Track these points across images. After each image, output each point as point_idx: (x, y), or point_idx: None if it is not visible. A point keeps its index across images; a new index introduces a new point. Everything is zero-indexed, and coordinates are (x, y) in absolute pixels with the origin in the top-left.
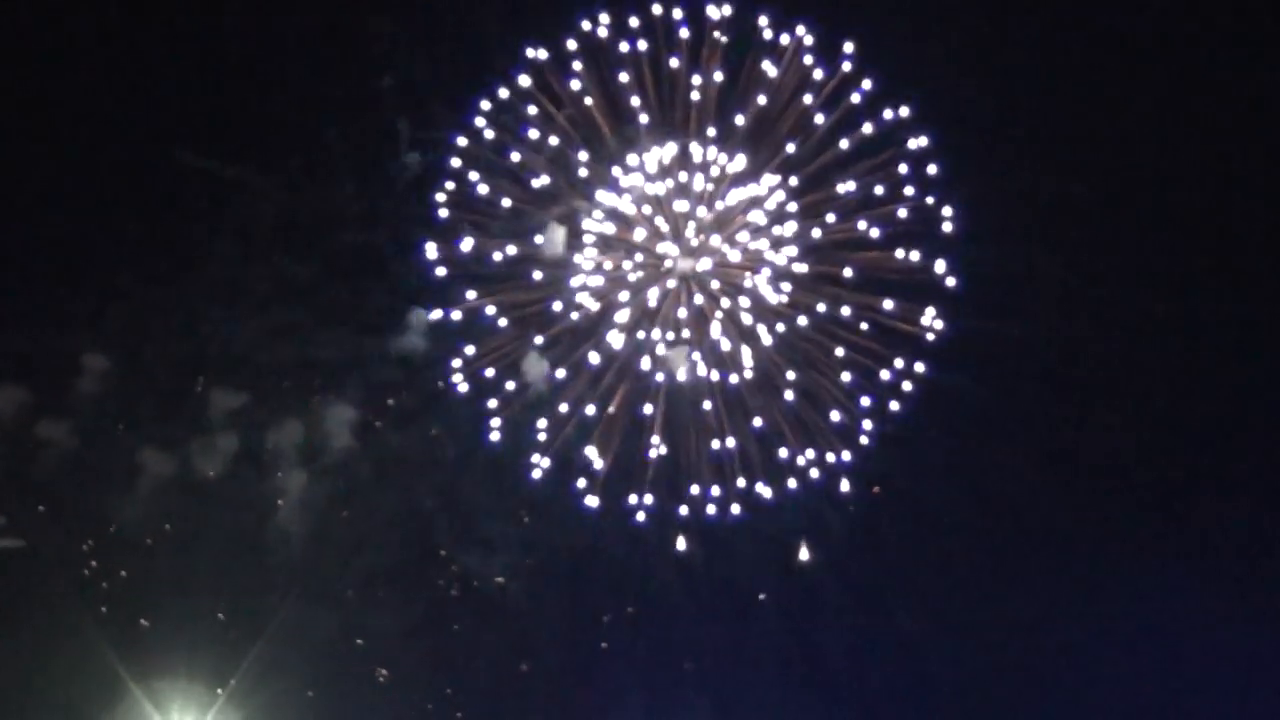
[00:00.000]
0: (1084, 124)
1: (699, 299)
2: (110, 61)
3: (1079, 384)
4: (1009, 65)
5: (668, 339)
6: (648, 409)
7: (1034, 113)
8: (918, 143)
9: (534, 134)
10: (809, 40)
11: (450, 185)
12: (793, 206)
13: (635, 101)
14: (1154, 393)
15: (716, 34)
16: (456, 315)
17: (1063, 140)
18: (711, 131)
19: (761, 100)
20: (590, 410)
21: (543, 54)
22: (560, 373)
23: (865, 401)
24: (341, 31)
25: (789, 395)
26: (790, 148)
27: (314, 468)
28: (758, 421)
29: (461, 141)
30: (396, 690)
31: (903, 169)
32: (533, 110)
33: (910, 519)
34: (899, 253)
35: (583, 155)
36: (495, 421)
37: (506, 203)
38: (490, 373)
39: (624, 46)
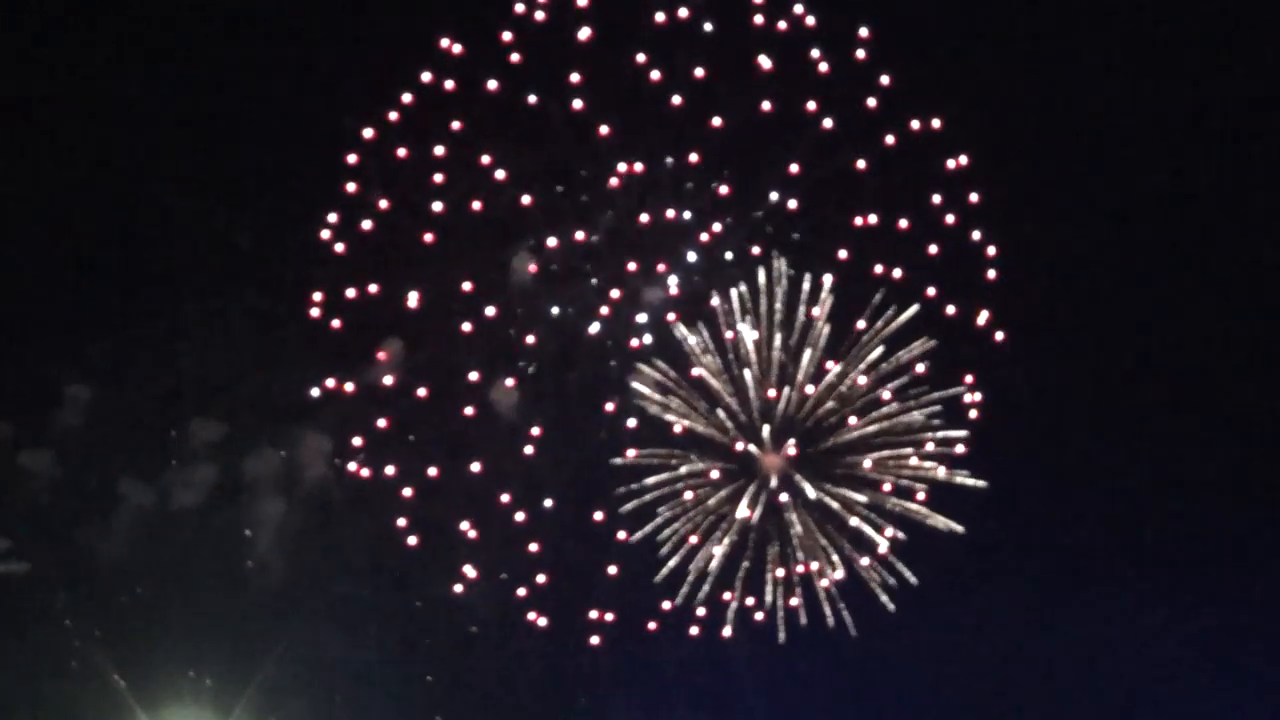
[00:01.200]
0: (1170, 131)
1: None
2: (82, 103)
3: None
4: (1069, 56)
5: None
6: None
7: (1101, 122)
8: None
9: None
10: (810, 22)
11: (333, 218)
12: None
13: (580, 102)
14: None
15: (684, 13)
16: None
17: (1139, 154)
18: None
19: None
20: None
21: (459, 49)
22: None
23: (887, 488)
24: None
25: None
26: (794, 168)
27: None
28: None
29: (353, 159)
30: None
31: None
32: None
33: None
34: (930, 290)
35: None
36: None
37: (429, 238)
38: (391, 471)
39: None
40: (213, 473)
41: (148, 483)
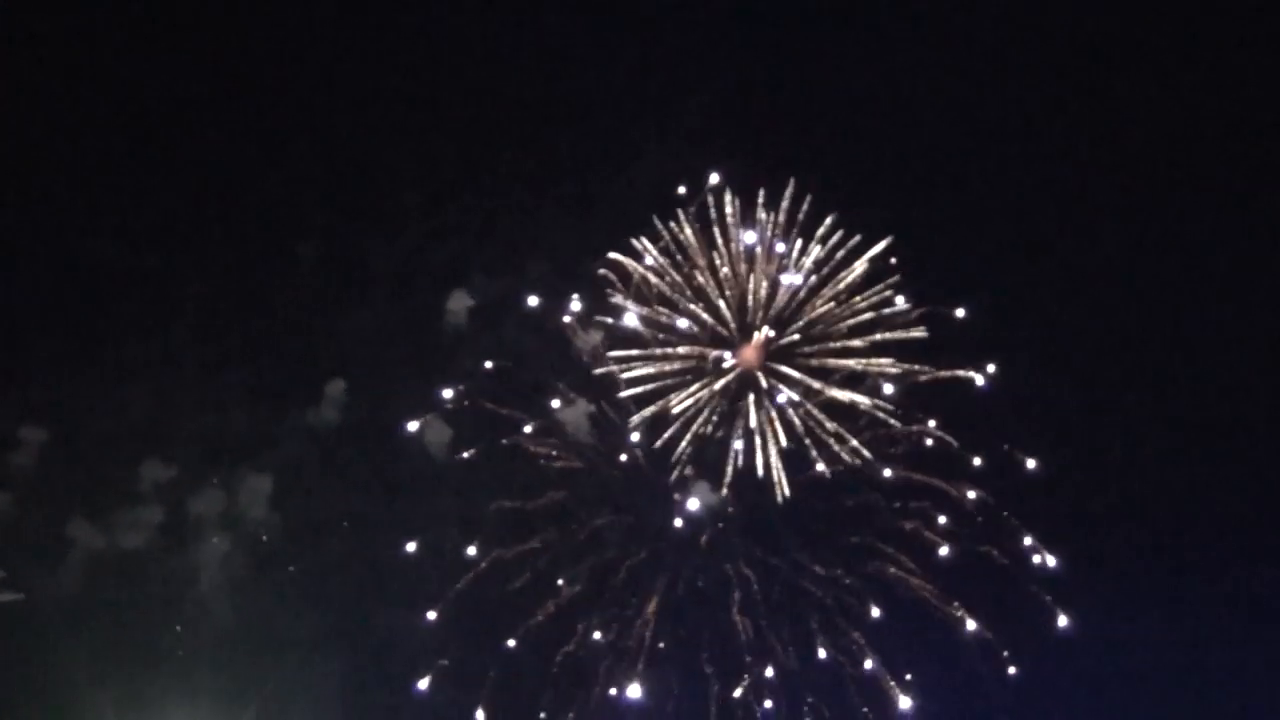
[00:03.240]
0: None
1: None
2: (41, 155)
3: None
4: None
5: None
6: None
7: None
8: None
9: None
10: None
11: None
12: None
13: None
14: None
15: None
16: None
17: None
18: None
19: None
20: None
21: None
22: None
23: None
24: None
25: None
26: None
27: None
28: None
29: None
30: None
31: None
32: None
33: None
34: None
35: None
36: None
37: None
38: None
39: None
40: (161, 513)
41: (98, 523)
